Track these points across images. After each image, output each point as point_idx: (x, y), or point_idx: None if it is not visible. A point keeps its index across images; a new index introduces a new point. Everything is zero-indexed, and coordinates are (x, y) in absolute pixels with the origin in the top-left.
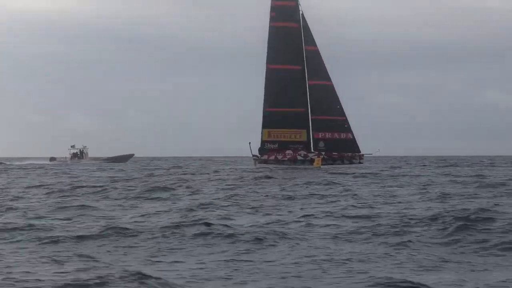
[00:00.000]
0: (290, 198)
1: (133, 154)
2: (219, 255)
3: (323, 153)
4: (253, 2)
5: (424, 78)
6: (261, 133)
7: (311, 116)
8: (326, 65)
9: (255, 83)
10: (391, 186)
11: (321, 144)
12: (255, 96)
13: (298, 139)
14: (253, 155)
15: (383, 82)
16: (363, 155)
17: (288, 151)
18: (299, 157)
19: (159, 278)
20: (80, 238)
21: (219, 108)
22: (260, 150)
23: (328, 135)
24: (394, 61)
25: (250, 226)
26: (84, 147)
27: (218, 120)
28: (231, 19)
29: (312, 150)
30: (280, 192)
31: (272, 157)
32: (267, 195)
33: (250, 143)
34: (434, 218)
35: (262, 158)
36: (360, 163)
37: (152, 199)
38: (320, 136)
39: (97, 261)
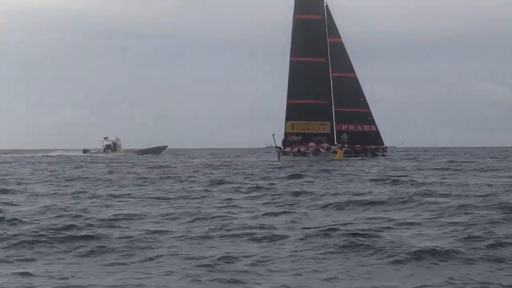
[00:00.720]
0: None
1: (166, 146)
2: None
3: (346, 145)
4: None
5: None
6: (285, 125)
7: (334, 108)
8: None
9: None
10: None
11: (344, 136)
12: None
13: (321, 131)
14: (277, 147)
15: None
16: (386, 147)
17: (311, 143)
18: (322, 150)
19: None
20: None
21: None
22: (283, 142)
23: (351, 127)
24: None
25: None
26: (117, 139)
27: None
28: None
29: (336, 143)
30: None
31: (295, 149)
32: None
33: (274, 135)
34: None
35: (285, 150)
36: (383, 155)
37: None
38: (343, 129)
39: None
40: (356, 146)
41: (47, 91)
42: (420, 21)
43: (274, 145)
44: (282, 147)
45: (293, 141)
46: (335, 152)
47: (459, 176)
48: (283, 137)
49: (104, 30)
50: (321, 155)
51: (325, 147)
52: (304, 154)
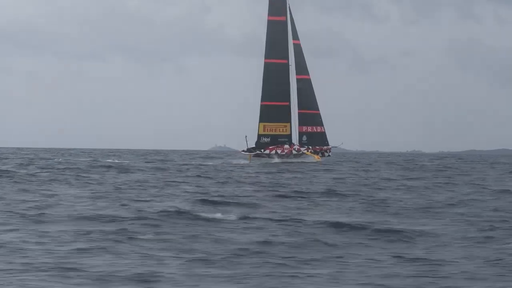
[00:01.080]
0: None
1: None
2: None
3: (310, 147)
4: None
5: None
6: (258, 126)
7: (298, 110)
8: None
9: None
10: None
11: (304, 137)
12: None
13: (284, 133)
14: (248, 149)
15: None
16: (330, 148)
17: (285, 146)
18: (294, 152)
19: None
20: None
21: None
22: (256, 143)
23: (309, 128)
24: None
25: None
26: None
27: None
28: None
29: (298, 144)
30: None
31: (273, 151)
32: None
33: (246, 136)
34: None
35: (265, 152)
36: (329, 155)
37: None
38: (303, 130)
39: None
40: (316, 147)
41: None
42: None
43: (246, 147)
44: (254, 149)
45: (265, 143)
46: (303, 153)
47: None
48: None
49: None
50: (294, 157)
51: (296, 149)
52: (280, 156)
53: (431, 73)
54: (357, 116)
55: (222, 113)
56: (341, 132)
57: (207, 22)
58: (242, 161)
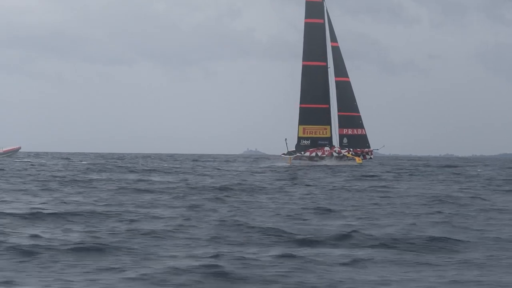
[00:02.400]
0: None
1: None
2: None
3: (351, 149)
4: None
5: None
6: (298, 129)
7: (338, 112)
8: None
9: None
10: None
11: (345, 140)
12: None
13: (324, 135)
14: (289, 152)
15: None
16: (372, 150)
17: (326, 148)
18: (334, 154)
19: None
20: None
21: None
22: (296, 146)
23: (349, 131)
24: None
25: None
26: None
27: None
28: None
29: (339, 147)
30: None
31: (313, 153)
32: None
33: (286, 139)
34: None
35: (305, 154)
36: (370, 158)
37: None
38: (344, 132)
39: None
40: (357, 149)
41: None
42: None
43: (286, 150)
44: (295, 152)
45: (305, 145)
46: (344, 156)
47: None
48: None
49: None
50: (335, 159)
51: (336, 151)
52: (321, 158)
53: (460, 76)
54: (386, 119)
55: (252, 117)
56: (370, 135)
57: (235, 26)
58: (282, 164)
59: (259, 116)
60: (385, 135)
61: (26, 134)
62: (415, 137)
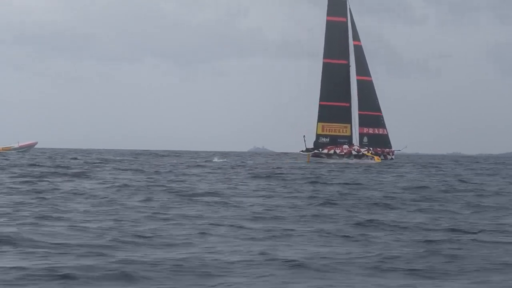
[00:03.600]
0: None
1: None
2: None
3: (371, 148)
4: None
5: None
6: (316, 126)
7: (358, 111)
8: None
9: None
10: None
11: (365, 139)
12: None
13: (344, 134)
14: (307, 149)
15: None
16: (394, 151)
17: (344, 146)
18: (353, 152)
19: None
20: None
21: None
22: (315, 143)
23: (370, 130)
24: None
25: None
26: None
27: None
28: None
29: (358, 145)
30: None
31: (331, 151)
32: None
33: (304, 136)
34: None
35: (323, 152)
36: (391, 158)
37: None
38: (364, 131)
39: None
40: (378, 149)
41: None
42: None
43: (304, 147)
44: (313, 149)
45: (323, 143)
46: (363, 155)
47: None
48: (314, 139)
49: None
50: (353, 158)
51: (355, 150)
52: (340, 156)
53: (469, 76)
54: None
55: (258, 114)
56: None
57: (243, 24)
58: (300, 161)
59: (265, 114)
60: (391, 133)
61: (28, 131)
62: (422, 135)
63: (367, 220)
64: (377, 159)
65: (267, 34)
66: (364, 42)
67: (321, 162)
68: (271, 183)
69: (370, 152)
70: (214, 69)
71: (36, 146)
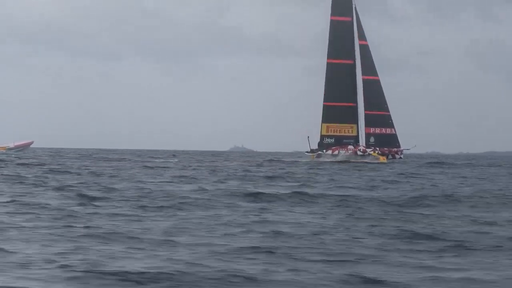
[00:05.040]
0: None
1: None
2: None
3: (377, 148)
4: None
5: None
6: (321, 127)
7: (364, 111)
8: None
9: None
10: None
11: (372, 139)
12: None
13: (350, 134)
14: (311, 149)
15: None
16: (402, 150)
17: (350, 146)
18: (359, 152)
19: None
20: None
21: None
22: (319, 144)
23: (377, 130)
24: None
25: None
26: None
27: None
28: None
29: (364, 145)
30: None
31: (336, 151)
32: None
33: (308, 137)
34: None
35: (322, 152)
36: (400, 158)
37: None
38: (371, 131)
39: None
40: (385, 149)
41: None
42: None
43: (309, 148)
44: (317, 149)
45: (328, 144)
46: (369, 155)
47: None
48: (318, 139)
49: None
50: (359, 157)
51: (361, 150)
52: (344, 156)
53: (451, 73)
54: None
55: (238, 113)
56: None
57: (224, 22)
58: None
59: (245, 113)
60: None
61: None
62: (401, 134)
63: None
64: (382, 159)
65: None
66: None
67: (325, 163)
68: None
69: (376, 152)
70: (193, 67)
71: (31, 146)
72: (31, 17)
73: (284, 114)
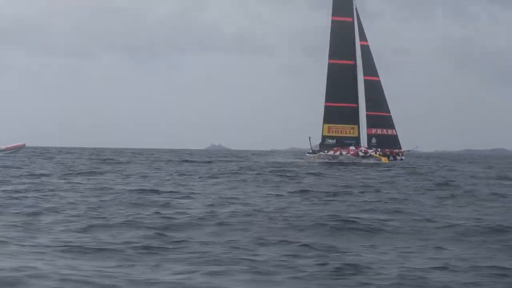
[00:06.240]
0: None
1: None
2: None
3: (379, 149)
4: None
5: None
6: (322, 127)
7: (366, 111)
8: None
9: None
10: None
11: (374, 140)
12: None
13: (351, 135)
14: (313, 150)
15: None
16: (404, 151)
17: (351, 147)
18: (360, 153)
19: None
20: None
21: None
22: (321, 145)
23: (379, 131)
24: None
25: None
26: None
27: None
28: None
29: (365, 146)
30: None
31: (338, 152)
32: None
33: (310, 137)
34: None
35: (329, 153)
36: (401, 159)
37: None
38: (372, 132)
39: None
40: (386, 150)
41: None
42: None
43: (310, 148)
44: (319, 150)
45: (329, 144)
46: (371, 156)
47: None
48: (320, 140)
49: None
50: (360, 159)
51: (362, 151)
52: (345, 157)
53: (426, 72)
54: None
55: (216, 112)
56: None
57: (200, 19)
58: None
59: (222, 111)
60: None
61: None
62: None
63: None
64: (384, 160)
65: (224, 29)
66: (319, 39)
67: (327, 163)
68: None
69: (377, 153)
70: (169, 64)
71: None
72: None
73: (261, 112)
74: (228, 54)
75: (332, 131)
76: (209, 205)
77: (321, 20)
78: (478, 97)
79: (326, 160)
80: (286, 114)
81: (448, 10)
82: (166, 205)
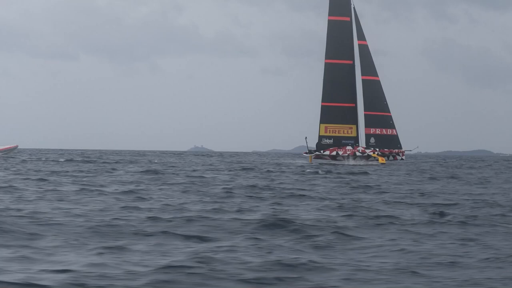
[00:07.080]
0: None
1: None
2: None
3: (377, 149)
4: None
5: None
6: (319, 127)
7: (364, 111)
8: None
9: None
10: None
11: (372, 140)
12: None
13: (349, 135)
14: (309, 150)
15: None
16: (404, 151)
17: (348, 147)
18: (357, 153)
19: None
20: None
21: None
22: (317, 145)
23: (377, 131)
24: None
25: None
26: None
27: None
28: None
29: (363, 146)
30: None
31: (334, 152)
32: None
33: (306, 138)
34: None
35: (325, 153)
36: (401, 159)
37: None
38: (371, 132)
39: None
40: (385, 150)
41: None
42: None
43: (307, 149)
44: (315, 150)
45: (326, 144)
46: (369, 156)
47: None
48: (317, 140)
49: None
50: (358, 159)
51: (360, 151)
52: (343, 157)
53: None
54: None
55: (197, 114)
56: None
57: (179, 21)
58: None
59: (204, 113)
60: None
61: None
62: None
63: None
64: (381, 160)
65: (202, 31)
66: (296, 41)
67: (324, 164)
68: None
69: (375, 153)
70: (149, 66)
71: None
72: None
73: (242, 114)
74: (208, 56)
75: (329, 131)
76: None
77: (302, 22)
78: (460, 98)
79: (324, 161)
80: (268, 116)
81: (428, 12)
82: None
